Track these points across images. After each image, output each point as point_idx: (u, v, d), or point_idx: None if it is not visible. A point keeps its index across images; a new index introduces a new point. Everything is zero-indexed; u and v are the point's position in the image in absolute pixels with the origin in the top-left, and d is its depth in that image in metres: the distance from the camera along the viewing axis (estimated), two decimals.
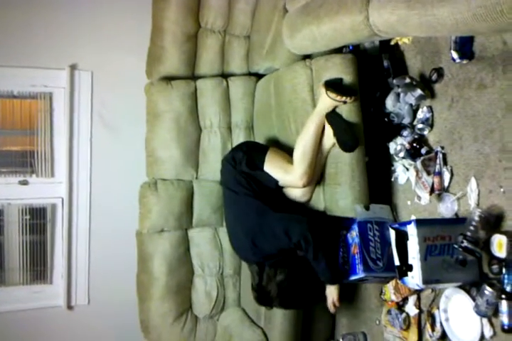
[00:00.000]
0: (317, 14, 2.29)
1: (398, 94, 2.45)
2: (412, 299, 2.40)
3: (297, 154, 2.59)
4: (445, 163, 2.23)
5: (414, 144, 2.36)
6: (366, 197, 2.56)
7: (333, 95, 2.44)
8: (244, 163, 2.71)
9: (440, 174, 2.23)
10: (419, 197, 2.38)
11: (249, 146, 2.89)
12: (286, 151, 2.76)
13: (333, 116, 2.51)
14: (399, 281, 2.33)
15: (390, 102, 2.50)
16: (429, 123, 2.32)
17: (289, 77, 2.81)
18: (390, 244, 2.28)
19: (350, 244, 2.55)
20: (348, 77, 2.54)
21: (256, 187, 2.71)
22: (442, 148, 2.24)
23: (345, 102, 2.46)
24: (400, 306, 2.47)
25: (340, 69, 2.57)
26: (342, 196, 2.57)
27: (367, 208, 2.49)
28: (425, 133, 2.35)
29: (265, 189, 2.72)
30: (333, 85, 2.49)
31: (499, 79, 1.93)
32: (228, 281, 3.33)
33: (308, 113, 2.66)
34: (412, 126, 2.41)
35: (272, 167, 2.68)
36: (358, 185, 2.53)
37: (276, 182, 2.69)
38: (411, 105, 2.41)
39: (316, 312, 3.06)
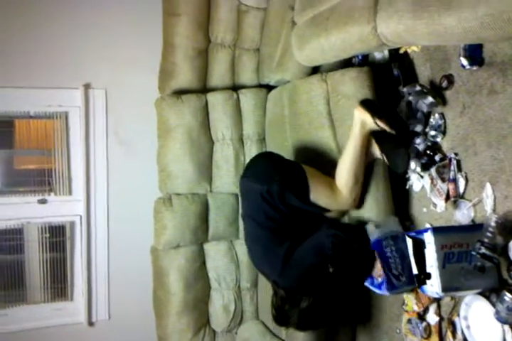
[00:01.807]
0: (325, 26, 2.31)
1: (410, 102, 2.45)
2: (432, 308, 2.38)
3: (346, 178, 2.43)
4: (459, 169, 2.22)
5: (428, 151, 2.35)
6: (391, 209, 2.54)
7: (381, 123, 2.36)
8: (294, 197, 2.42)
9: (455, 181, 2.22)
10: (434, 205, 2.37)
11: (284, 174, 2.49)
12: (310, 162, 2.65)
13: (381, 136, 2.42)
14: (419, 291, 2.32)
15: (402, 110, 2.50)
16: (442, 130, 2.31)
17: (305, 90, 2.81)
18: (407, 256, 2.25)
19: None
20: (365, 91, 2.52)
21: (289, 223, 2.50)
22: (456, 154, 2.24)
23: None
24: (421, 315, 2.45)
25: (357, 83, 2.54)
26: (367, 209, 2.53)
27: (378, 226, 2.41)
28: (438, 140, 2.34)
29: (301, 220, 2.52)
30: (371, 107, 2.40)
31: (510, 84, 1.93)
32: (246, 294, 3.34)
33: (324, 125, 2.67)
34: (424, 134, 2.41)
35: (319, 197, 2.45)
36: (381, 197, 2.52)
37: (320, 211, 2.52)
38: (423, 112, 2.41)
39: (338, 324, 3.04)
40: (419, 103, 2.37)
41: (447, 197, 2.25)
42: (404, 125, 2.39)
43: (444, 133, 2.32)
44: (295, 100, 2.89)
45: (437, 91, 2.34)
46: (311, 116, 2.75)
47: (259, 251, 2.61)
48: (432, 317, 2.38)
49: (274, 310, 2.53)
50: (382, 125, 2.36)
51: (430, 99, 2.32)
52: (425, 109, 2.37)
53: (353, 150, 2.41)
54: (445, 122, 2.31)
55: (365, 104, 2.41)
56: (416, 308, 2.43)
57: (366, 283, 2.45)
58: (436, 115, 2.33)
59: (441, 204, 2.30)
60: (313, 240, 2.43)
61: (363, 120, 2.38)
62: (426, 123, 2.41)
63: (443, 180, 2.27)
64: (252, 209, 2.60)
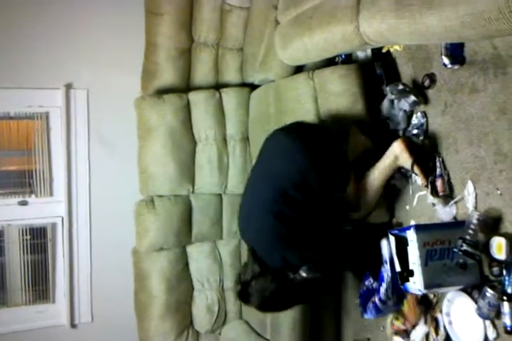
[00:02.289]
0: (308, 25, 2.32)
1: (392, 101, 2.47)
2: (419, 327, 2.37)
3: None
4: (444, 166, 2.23)
5: None
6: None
7: (418, 171, 2.30)
8: (334, 182, 2.33)
9: (442, 176, 2.21)
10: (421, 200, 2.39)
11: (333, 158, 2.36)
12: None
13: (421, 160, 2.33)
14: (405, 309, 2.37)
15: (384, 109, 2.52)
16: (424, 128, 2.34)
17: (291, 88, 2.83)
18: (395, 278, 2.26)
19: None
20: (354, 89, 2.55)
21: (310, 204, 2.32)
22: (438, 153, 2.26)
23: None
24: (408, 333, 2.44)
25: (347, 81, 2.57)
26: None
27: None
28: (420, 138, 2.36)
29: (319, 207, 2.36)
30: (415, 150, 2.32)
31: (491, 82, 1.95)
32: (229, 294, 3.33)
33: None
34: (407, 132, 2.43)
35: (351, 192, 2.39)
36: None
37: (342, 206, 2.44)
38: (405, 111, 2.43)
39: (322, 320, 3.06)
40: (401, 102, 2.39)
41: (436, 193, 2.24)
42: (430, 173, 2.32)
43: (426, 131, 2.34)
44: (281, 98, 2.90)
45: (419, 90, 2.36)
46: (298, 113, 2.75)
47: (259, 222, 2.36)
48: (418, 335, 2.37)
49: (240, 284, 2.40)
50: (418, 172, 2.29)
51: (412, 97, 2.34)
52: (408, 108, 2.39)
53: (377, 176, 2.39)
54: (427, 121, 2.33)
55: (410, 143, 2.33)
56: (402, 327, 2.43)
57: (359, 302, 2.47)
58: (419, 114, 2.36)
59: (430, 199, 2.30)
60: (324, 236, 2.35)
61: (399, 156, 2.32)
62: (408, 122, 2.43)
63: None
64: (278, 173, 2.35)
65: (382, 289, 2.32)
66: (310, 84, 2.71)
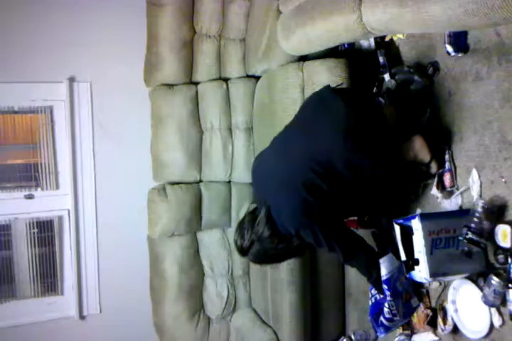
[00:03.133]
0: (311, 15, 2.30)
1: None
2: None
3: None
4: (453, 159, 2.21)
5: None
6: None
7: (435, 166, 2.27)
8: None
9: (450, 170, 2.20)
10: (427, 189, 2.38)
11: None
12: None
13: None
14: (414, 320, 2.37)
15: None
16: (428, 116, 2.32)
17: (280, 77, 2.84)
18: (401, 293, 2.27)
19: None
20: (341, 81, 2.55)
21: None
22: (448, 145, 2.23)
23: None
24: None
25: (334, 73, 2.60)
26: None
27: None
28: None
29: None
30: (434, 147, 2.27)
31: (495, 70, 1.94)
32: (238, 282, 3.39)
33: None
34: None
35: None
36: None
37: None
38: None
39: (324, 309, 3.10)
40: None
41: (443, 187, 2.23)
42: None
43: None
44: (272, 88, 2.92)
45: (423, 73, 2.34)
46: (285, 103, 2.76)
47: (289, 190, 2.16)
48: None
49: (242, 239, 2.26)
50: (435, 167, 2.26)
51: (417, 78, 2.33)
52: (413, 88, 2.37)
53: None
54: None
55: (428, 140, 2.27)
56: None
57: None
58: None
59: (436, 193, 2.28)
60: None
61: (418, 152, 2.26)
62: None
63: None
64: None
65: (386, 309, 2.27)
66: (299, 75, 2.73)
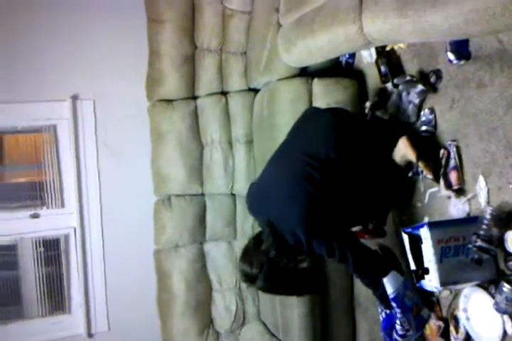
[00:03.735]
0: (311, 27, 2.31)
1: (400, 95, 2.46)
2: None
3: None
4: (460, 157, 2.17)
5: None
6: None
7: (423, 166, 2.25)
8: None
9: (457, 168, 2.15)
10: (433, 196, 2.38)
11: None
12: None
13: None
14: (426, 332, 2.35)
15: (391, 105, 2.52)
16: (433, 124, 2.33)
17: (285, 91, 2.86)
18: (411, 308, 2.25)
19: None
20: (349, 101, 2.69)
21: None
22: (453, 141, 2.20)
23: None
24: None
25: (343, 94, 2.74)
26: None
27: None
28: (431, 133, 2.33)
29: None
30: (419, 147, 2.28)
31: (498, 77, 1.94)
32: (247, 295, 3.39)
33: None
34: (417, 128, 2.40)
35: None
36: None
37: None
38: (414, 104, 2.40)
39: (334, 320, 3.08)
40: (410, 94, 2.38)
41: (450, 186, 2.18)
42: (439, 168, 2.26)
43: (435, 127, 2.33)
44: (273, 100, 2.93)
45: (426, 81, 2.34)
46: (289, 116, 2.72)
47: (286, 192, 2.18)
48: None
49: (251, 268, 2.16)
50: (423, 167, 2.26)
51: (420, 86, 2.33)
52: (417, 100, 2.37)
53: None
54: (435, 117, 2.32)
55: (414, 140, 2.29)
56: None
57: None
58: (426, 110, 2.35)
59: (444, 192, 2.24)
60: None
61: (405, 153, 2.30)
62: (418, 115, 2.41)
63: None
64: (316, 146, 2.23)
65: (398, 326, 2.26)
66: (308, 90, 2.79)
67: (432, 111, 2.33)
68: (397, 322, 2.26)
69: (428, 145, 2.32)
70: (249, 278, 2.18)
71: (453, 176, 2.16)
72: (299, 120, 2.46)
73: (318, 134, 2.27)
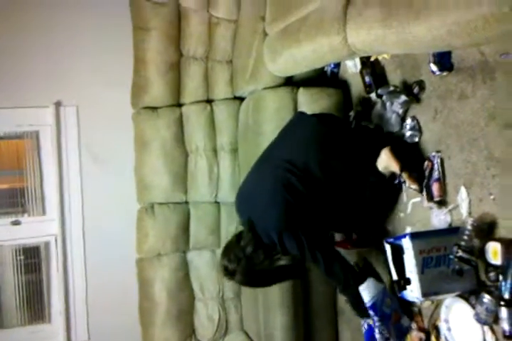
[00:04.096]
0: (296, 37, 2.33)
1: (384, 105, 2.48)
2: None
3: None
4: (443, 169, 2.18)
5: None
6: None
7: (406, 178, 2.26)
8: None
9: (439, 180, 2.17)
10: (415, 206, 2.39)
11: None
12: None
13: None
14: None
15: (376, 115, 2.54)
16: (417, 129, 2.32)
17: (271, 100, 2.87)
18: (389, 315, 2.27)
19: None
20: (334, 111, 2.71)
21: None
22: (438, 152, 2.21)
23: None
24: None
25: (328, 104, 2.77)
26: None
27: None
28: (416, 140, 2.34)
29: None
30: (401, 157, 2.28)
31: (480, 88, 1.96)
32: (229, 304, 3.36)
33: None
34: (402, 134, 2.42)
35: None
36: None
37: None
38: (398, 114, 2.42)
39: (317, 328, 3.07)
40: (394, 104, 2.40)
41: (431, 197, 2.20)
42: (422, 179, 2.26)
43: (420, 131, 2.32)
44: (259, 109, 2.93)
45: (409, 92, 2.36)
46: (274, 125, 2.76)
47: (268, 195, 2.31)
48: None
49: (228, 260, 2.33)
50: (406, 178, 2.26)
51: (403, 97, 2.35)
52: (400, 110, 2.39)
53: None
54: (418, 123, 2.33)
55: (396, 151, 2.30)
56: None
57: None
58: (409, 119, 2.36)
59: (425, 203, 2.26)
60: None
61: (387, 165, 2.31)
62: (401, 125, 2.42)
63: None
64: (300, 153, 2.32)
65: (377, 335, 2.26)
66: (293, 99, 2.82)
67: (415, 118, 2.34)
68: (376, 330, 2.26)
69: (411, 156, 2.33)
70: (228, 272, 2.33)
71: (435, 188, 2.18)
72: (286, 125, 2.54)
73: (301, 142, 2.36)
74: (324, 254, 2.28)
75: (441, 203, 2.18)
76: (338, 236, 2.88)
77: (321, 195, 2.31)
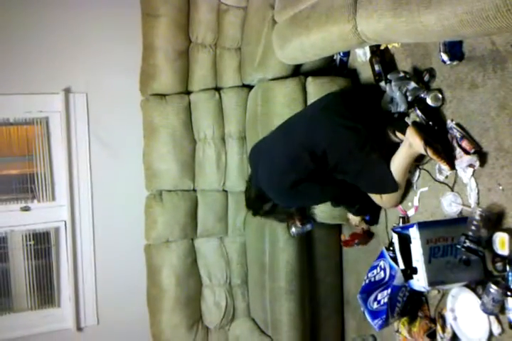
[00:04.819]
0: (306, 25, 2.31)
1: (392, 89, 2.46)
2: None
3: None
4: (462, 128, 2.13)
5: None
6: None
7: (431, 153, 2.18)
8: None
9: (465, 137, 2.08)
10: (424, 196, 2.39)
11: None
12: None
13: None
14: (414, 329, 2.39)
15: (386, 100, 2.53)
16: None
17: (279, 91, 2.87)
18: (394, 305, 2.35)
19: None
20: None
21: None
22: (451, 120, 2.17)
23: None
24: None
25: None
26: None
27: None
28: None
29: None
30: (426, 134, 2.23)
31: (490, 78, 1.95)
32: (236, 291, 3.39)
33: None
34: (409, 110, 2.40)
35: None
36: None
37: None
38: (404, 94, 2.39)
39: (322, 317, 3.12)
40: (403, 90, 2.38)
41: (467, 152, 2.08)
42: (451, 153, 2.20)
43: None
44: (268, 100, 2.93)
45: (419, 79, 2.34)
46: (285, 116, 2.73)
47: (280, 165, 2.49)
48: None
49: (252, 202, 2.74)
50: (432, 155, 2.18)
51: (413, 84, 2.33)
52: (409, 96, 2.37)
53: (398, 165, 2.37)
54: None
55: (420, 128, 2.26)
56: (409, 338, 2.45)
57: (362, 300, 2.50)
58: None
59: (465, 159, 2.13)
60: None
61: (411, 142, 2.26)
62: (408, 104, 2.41)
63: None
64: (321, 135, 2.40)
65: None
66: (302, 90, 2.83)
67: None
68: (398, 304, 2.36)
69: (433, 132, 2.26)
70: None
71: (465, 143, 2.08)
72: (316, 102, 2.64)
73: (322, 127, 2.41)
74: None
75: (479, 154, 2.04)
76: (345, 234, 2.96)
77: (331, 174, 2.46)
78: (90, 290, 3.56)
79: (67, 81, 3.45)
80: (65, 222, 3.49)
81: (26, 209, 3.44)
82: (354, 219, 2.83)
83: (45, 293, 3.55)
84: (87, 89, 3.49)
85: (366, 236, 2.86)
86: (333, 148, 2.36)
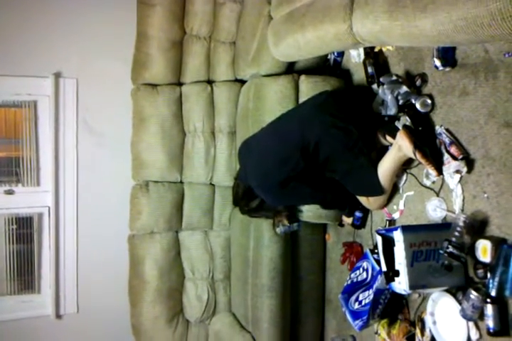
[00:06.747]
0: (302, 22, 2.30)
1: (384, 92, 2.44)
2: None
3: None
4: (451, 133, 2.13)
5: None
6: None
7: (419, 157, 2.18)
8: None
9: (453, 142, 2.08)
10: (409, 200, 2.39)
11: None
12: None
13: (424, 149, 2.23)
14: (394, 331, 2.40)
15: (377, 102, 2.52)
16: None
17: (271, 88, 2.84)
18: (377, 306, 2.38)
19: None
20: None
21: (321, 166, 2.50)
22: (440, 126, 2.17)
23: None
24: None
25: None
26: None
27: None
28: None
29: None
30: (415, 137, 2.23)
31: (481, 86, 1.95)
32: (219, 285, 3.38)
33: None
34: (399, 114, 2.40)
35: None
36: None
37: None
38: (395, 98, 2.39)
39: (303, 315, 3.11)
40: (394, 93, 2.37)
41: (455, 158, 2.09)
42: (439, 159, 2.20)
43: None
44: (260, 97, 2.90)
45: (412, 83, 2.34)
46: (276, 113, 2.75)
47: (270, 162, 2.51)
48: None
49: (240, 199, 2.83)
50: (420, 158, 2.18)
51: (405, 88, 2.33)
52: (400, 100, 2.37)
53: (386, 168, 2.37)
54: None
55: (410, 130, 2.25)
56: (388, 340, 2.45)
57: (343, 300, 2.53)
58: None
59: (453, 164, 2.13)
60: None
61: (401, 145, 2.25)
62: (398, 107, 2.40)
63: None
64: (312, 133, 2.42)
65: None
66: (294, 88, 2.80)
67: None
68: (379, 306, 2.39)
69: (424, 137, 2.25)
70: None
71: (453, 149, 2.09)
72: (309, 100, 2.65)
73: (309, 110, 2.50)
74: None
75: (467, 160, 2.05)
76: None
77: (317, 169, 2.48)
78: (71, 277, 3.54)
79: (58, 65, 3.41)
80: (49, 207, 3.47)
81: (10, 192, 3.42)
82: (347, 219, 2.84)
83: (26, 278, 3.54)
84: (78, 75, 3.47)
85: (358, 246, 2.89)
86: (323, 146, 2.37)
